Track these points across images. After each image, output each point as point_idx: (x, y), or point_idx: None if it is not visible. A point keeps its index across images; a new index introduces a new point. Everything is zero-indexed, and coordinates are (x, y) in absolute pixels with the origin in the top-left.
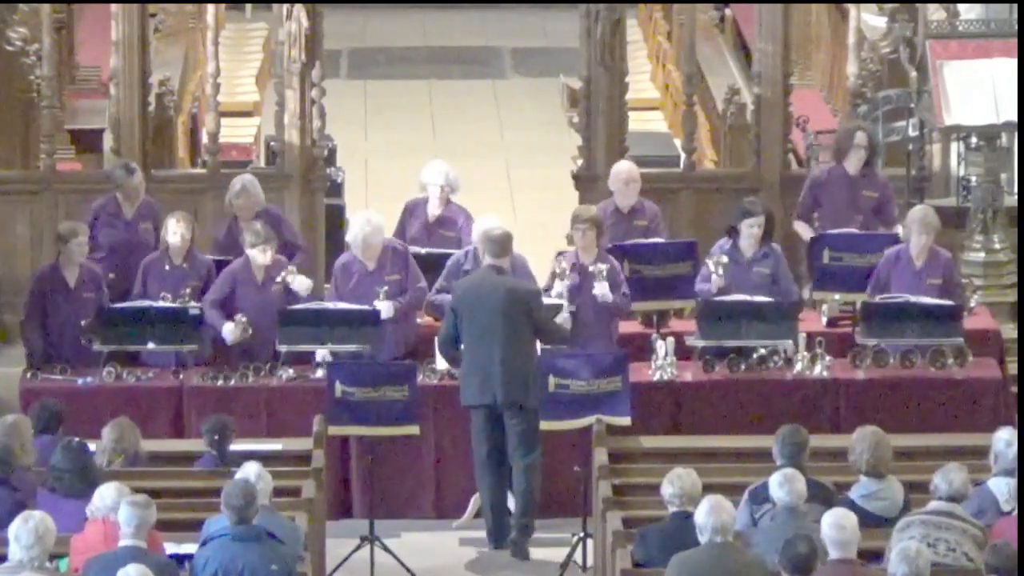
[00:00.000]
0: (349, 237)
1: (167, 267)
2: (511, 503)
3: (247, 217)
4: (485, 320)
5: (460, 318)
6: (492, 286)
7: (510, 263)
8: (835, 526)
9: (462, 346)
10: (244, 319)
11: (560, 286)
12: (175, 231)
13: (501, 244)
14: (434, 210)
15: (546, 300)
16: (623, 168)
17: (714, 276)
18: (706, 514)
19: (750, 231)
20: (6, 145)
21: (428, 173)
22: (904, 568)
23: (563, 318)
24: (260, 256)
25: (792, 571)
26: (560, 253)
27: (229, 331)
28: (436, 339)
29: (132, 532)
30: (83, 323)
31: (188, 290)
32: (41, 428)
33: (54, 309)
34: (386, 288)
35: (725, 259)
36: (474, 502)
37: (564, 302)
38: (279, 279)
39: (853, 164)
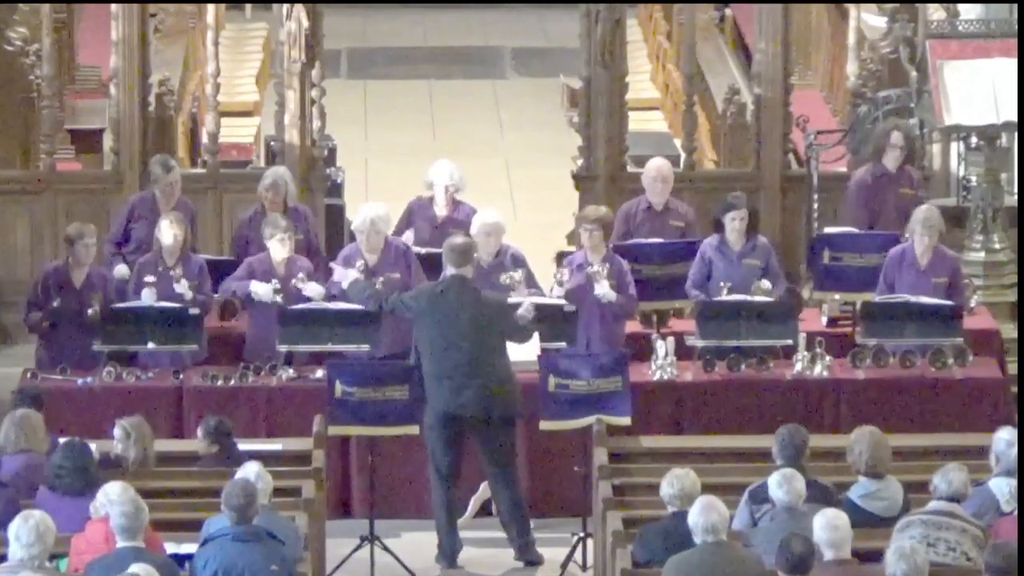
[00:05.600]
0: (356, 223)
1: (160, 268)
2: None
3: (275, 211)
4: (451, 331)
5: (420, 327)
6: (456, 299)
7: (505, 255)
8: (828, 527)
9: (420, 356)
10: (277, 283)
11: (559, 291)
12: (167, 231)
13: (463, 253)
14: (441, 210)
15: (551, 300)
16: (653, 165)
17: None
18: (697, 514)
19: (733, 224)
20: (6, 145)
21: (434, 172)
22: (903, 565)
23: (525, 308)
24: (279, 247)
25: (789, 571)
26: (561, 254)
27: (262, 288)
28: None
29: (127, 536)
30: (90, 309)
31: (178, 272)
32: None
33: (59, 308)
34: (382, 278)
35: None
36: (474, 502)
37: (563, 302)
38: (293, 281)
39: (891, 163)
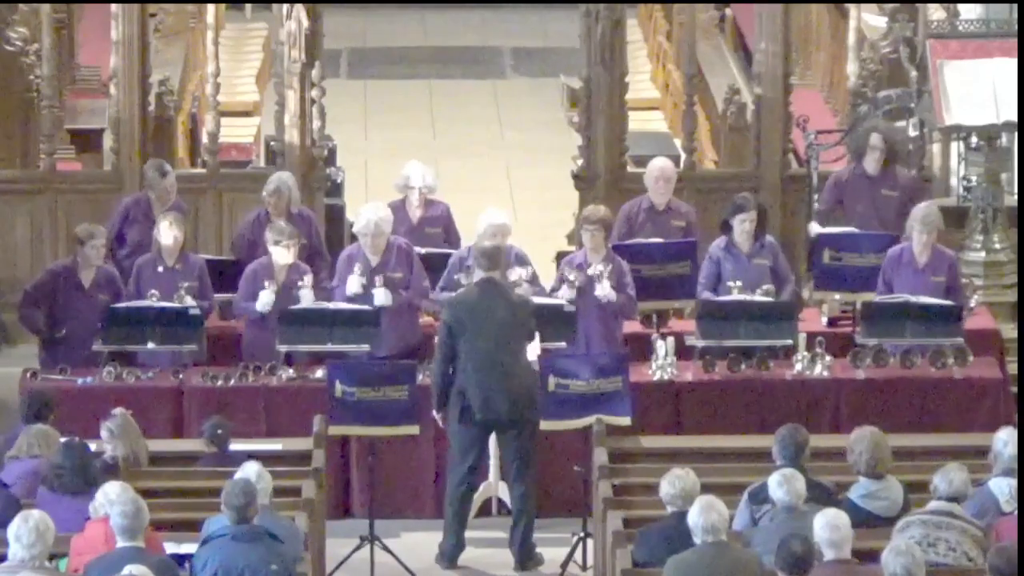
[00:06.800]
0: (359, 224)
1: (160, 268)
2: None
3: (279, 216)
4: (481, 334)
5: (457, 335)
6: (490, 301)
7: (508, 255)
8: (829, 526)
9: (457, 365)
10: (274, 285)
11: (569, 293)
12: (167, 232)
13: (491, 257)
14: (415, 211)
15: (551, 300)
16: (655, 165)
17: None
18: (697, 514)
19: (742, 226)
20: (6, 145)
21: (407, 175)
22: (902, 561)
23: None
24: (283, 254)
25: (788, 571)
26: (562, 255)
27: (265, 302)
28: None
29: (127, 536)
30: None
31: (184, 286)
32: (33, 417)
33: (66, 308)
34: (383, 276)
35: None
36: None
37: (563, 302)
38: (295, 290)
39: (871, 165)
